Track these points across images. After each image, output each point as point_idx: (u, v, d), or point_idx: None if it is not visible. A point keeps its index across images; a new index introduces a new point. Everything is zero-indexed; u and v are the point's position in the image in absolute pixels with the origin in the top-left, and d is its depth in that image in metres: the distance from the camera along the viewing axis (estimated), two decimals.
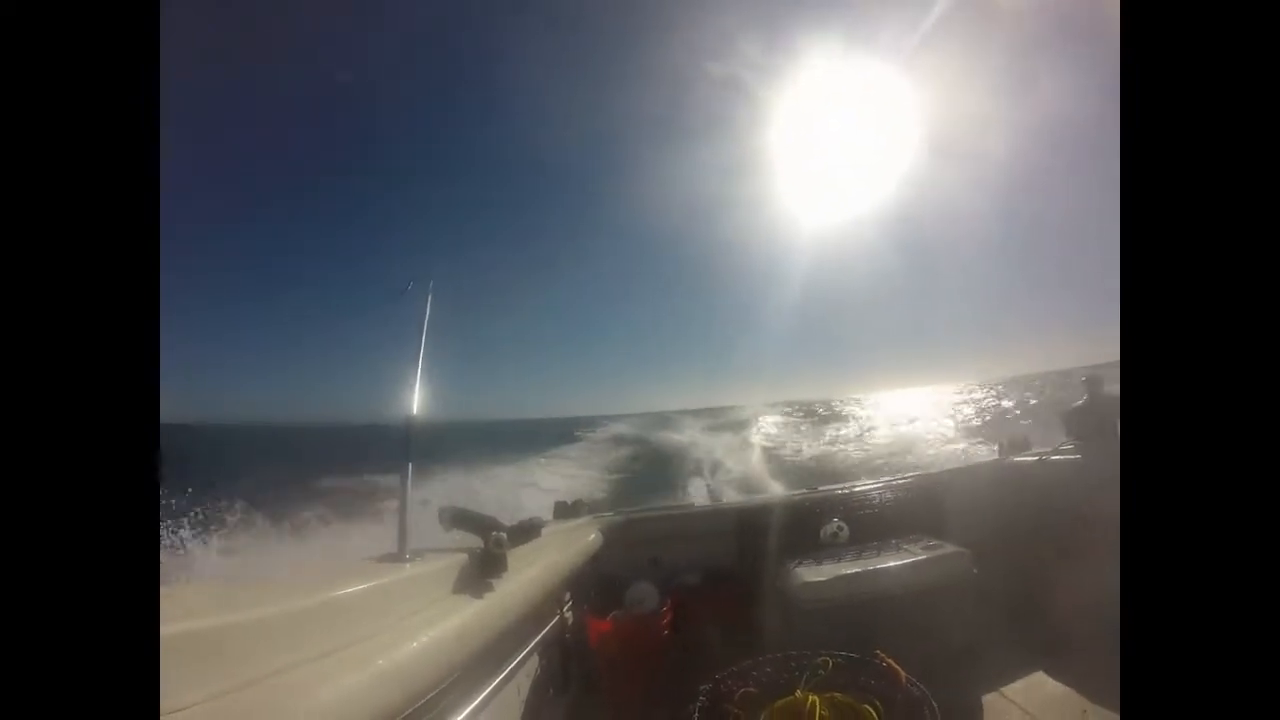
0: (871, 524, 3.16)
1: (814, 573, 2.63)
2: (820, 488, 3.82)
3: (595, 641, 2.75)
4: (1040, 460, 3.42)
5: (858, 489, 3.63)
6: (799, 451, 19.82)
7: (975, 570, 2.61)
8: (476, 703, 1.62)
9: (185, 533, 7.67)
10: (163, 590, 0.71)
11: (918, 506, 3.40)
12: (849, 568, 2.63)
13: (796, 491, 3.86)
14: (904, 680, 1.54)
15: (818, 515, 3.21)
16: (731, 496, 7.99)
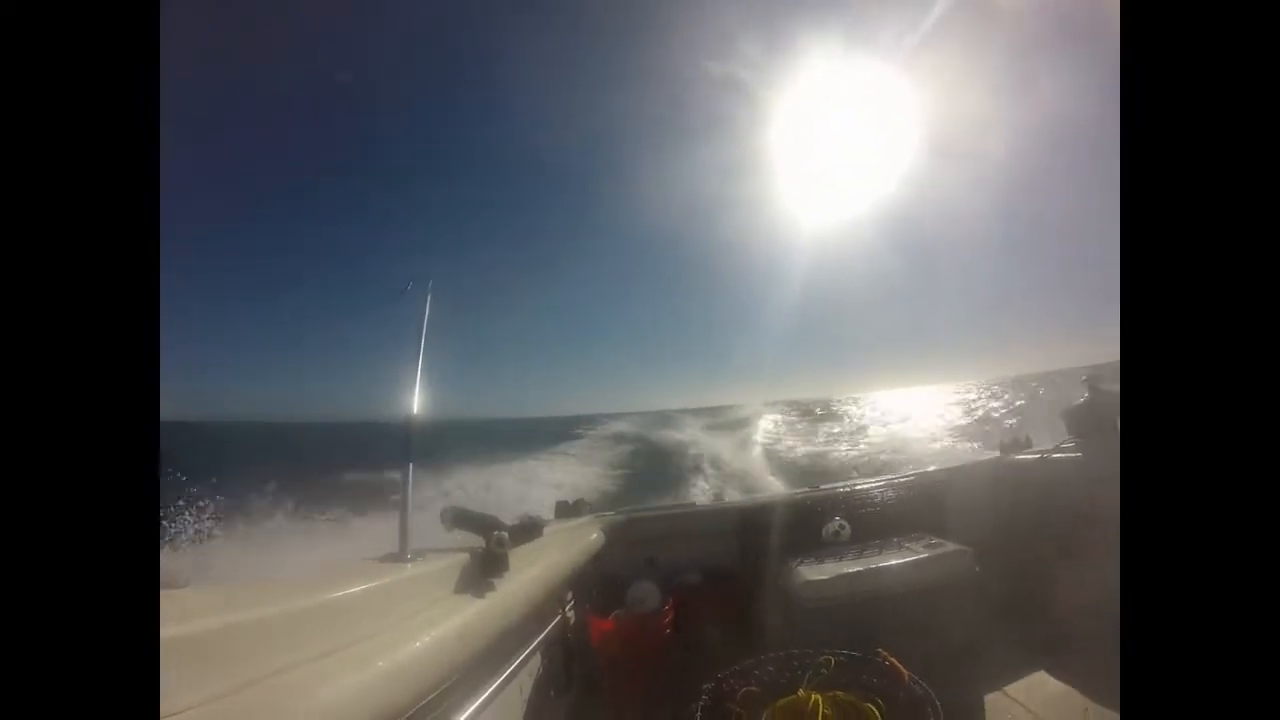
0: (873, 522, 3.15)
1: (816, 571, 2.62)
2: (821, 486, 3.82)
3: (597, 641, 2.76)
4: (1041, 458, 3.42)
5: (859, 487, 3.63)
6: (798, 450, 19.88)
7: (977, 568, 2.61)
8: (479, 702, 1.62)
9: (203, 527, 7.70)
10: (163, 591, 0.71)
11: (919, 505, 3.39)
12: (851, 566, 2.63)
13: (798, 490, 3.86)
14: (907, 679, 1.54)
15: (819, 514, 3.21)
16: (732, 495, 7.98)
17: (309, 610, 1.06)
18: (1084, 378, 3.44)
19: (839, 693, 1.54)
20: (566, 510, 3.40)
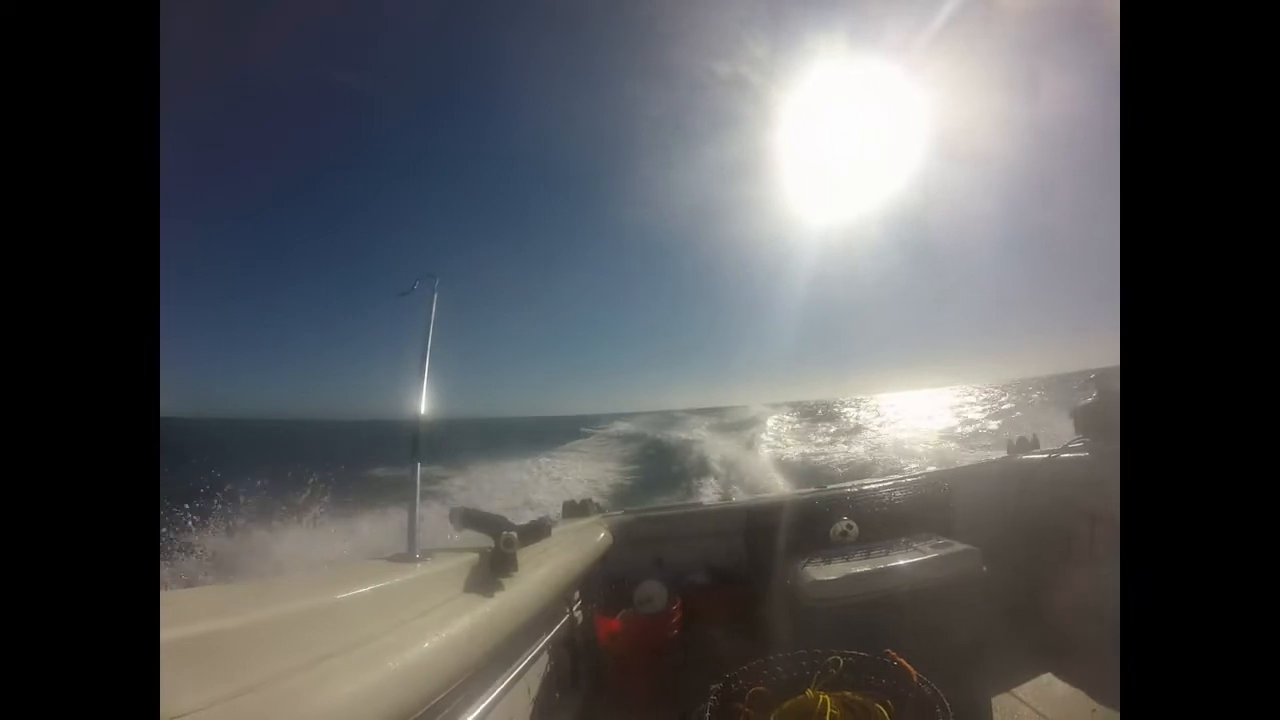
0: (881, 522, 3.14)
1: (823, 571, 2.61)
2: (829, 486, 3.80)
3: (605, 640, 2.76)
4: (1049, 458, 3.39)
5: (867, 487, 3.61)
6: (803, 451, 19.87)
7: (985, 569, 2.59)
8: (487, 702, 1.62)
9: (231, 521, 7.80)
10: (163, 591, 0.71)
11: (927, 504, 3.37)
12: (859, 566, 2.61)
13: (805, 490, 3.84)
14: (916, 679, 1.52)
15: (827, 514, 3.19)
16: (740, 495, 7.97)
17: (318, 611, 1.06)
18: (1092, 377, 3.41)
19: (847, 693, 1.53)
20: (574, 510, 3.40)
